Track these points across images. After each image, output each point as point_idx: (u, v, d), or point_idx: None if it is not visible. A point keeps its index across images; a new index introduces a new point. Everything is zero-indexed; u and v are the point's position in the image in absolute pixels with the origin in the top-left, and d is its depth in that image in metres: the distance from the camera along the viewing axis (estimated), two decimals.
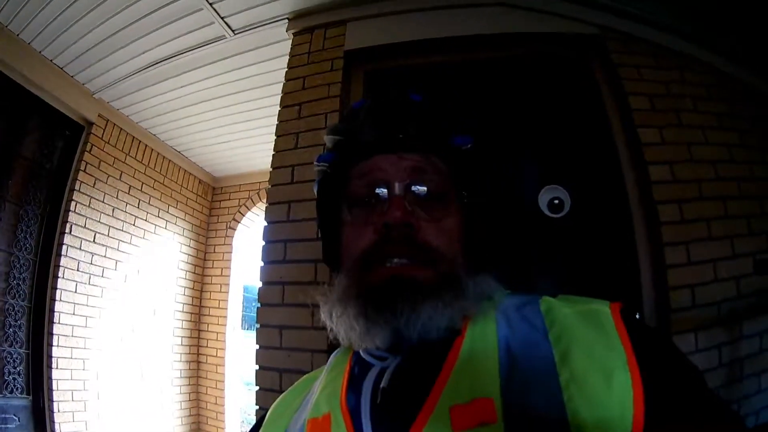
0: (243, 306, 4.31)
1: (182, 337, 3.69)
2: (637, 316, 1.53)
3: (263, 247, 1.72)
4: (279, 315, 1.62)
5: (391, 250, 0.50)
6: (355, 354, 0.56)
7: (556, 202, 1.69)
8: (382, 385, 0.47)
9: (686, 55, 1.86)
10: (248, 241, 4.23)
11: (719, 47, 1.87)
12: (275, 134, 1.85)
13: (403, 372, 0.48)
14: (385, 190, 0.54)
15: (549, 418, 0.38)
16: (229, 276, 3.95)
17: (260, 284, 1.69)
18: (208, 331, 3.87)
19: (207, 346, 3.83)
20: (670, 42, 1.87)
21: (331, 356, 0.63)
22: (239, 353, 3.99)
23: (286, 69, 1.99)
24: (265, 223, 1.75)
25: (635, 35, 1.86)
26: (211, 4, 2.04)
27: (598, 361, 0.40)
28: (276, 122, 1.89)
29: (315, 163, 0.63)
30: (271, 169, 1.80)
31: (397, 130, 0.56)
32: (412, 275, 0.49)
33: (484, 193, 0.58)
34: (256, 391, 1.59)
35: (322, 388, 0.55)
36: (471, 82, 1.89)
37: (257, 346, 1.63)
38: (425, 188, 0.54)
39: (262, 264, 1.70)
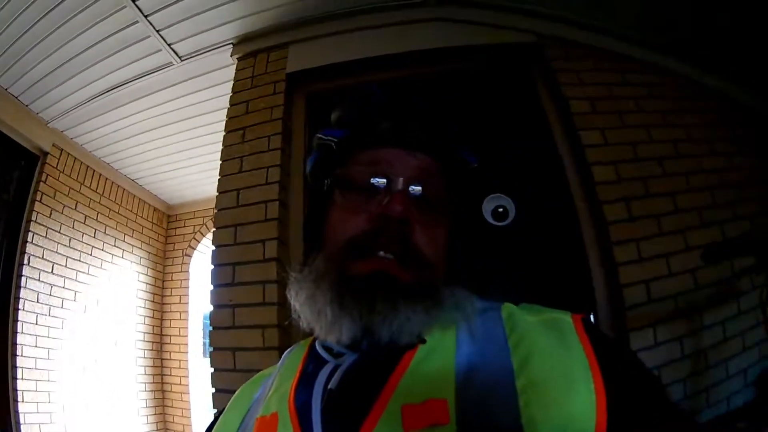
0: (204, 333, 4.34)
1: (145, 366, 3.71)
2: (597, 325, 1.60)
3: (212, 270, 1.78)
4: (231, 337, 1.66)
5: (381, 243, 0.50)
6: (310, 352, 0.57)
7: (501, 210, 1.76)
8: (330, 386, 0.48)
9: (626, 57, 1.95)
10: (205, 268, 4.23)
11: (660, 46, 1.96)
12: (220, 159, 1.93)
13: (356, 371, 0.48)
14: (387, 183, 0.54)
15: (503, 421, 0.38)
16: (188, 303, 4.01)
17: (211, 307, 1.74)
18: (170, 359, 3.90)
19: (171, 374, 3.86)
20: (610, 44, 1.96)
21: (284, 354, 0.63)
22: (203, 381, 3.98)
23: (231, 94, 2.07)
24: (213, 247, 1.81)
25: (573, 40, 1.95)
26: (158, 32, 2.12)
27: (560, 368, 0.41)
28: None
29: (320, 135, 0.62)
30: (216, 194, 1.88)
31: (416, 127, 0.57)
32: (397, 274, 0.49)
33: (470, 209, 0.62)
34: (215, 414, 1.62)
35: (274, 389, 0.55)
36: (414, 96, 1.97)
37: (212, 369, 1.67)
38: (425, 191, 0.54)
39: (212, 287, 1.76)
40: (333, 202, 0.57)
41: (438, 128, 0.58)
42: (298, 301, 0.54)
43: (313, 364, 0.53)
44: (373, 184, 0.54)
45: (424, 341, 0.48)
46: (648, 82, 1.92)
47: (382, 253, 0.50)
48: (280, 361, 0.62)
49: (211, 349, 1.72)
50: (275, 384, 0.56)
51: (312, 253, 0.58)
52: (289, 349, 0.63)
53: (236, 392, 0.64)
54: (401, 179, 0.53)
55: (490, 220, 1.77)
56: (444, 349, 0.46)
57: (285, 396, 0.51)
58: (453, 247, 0.57)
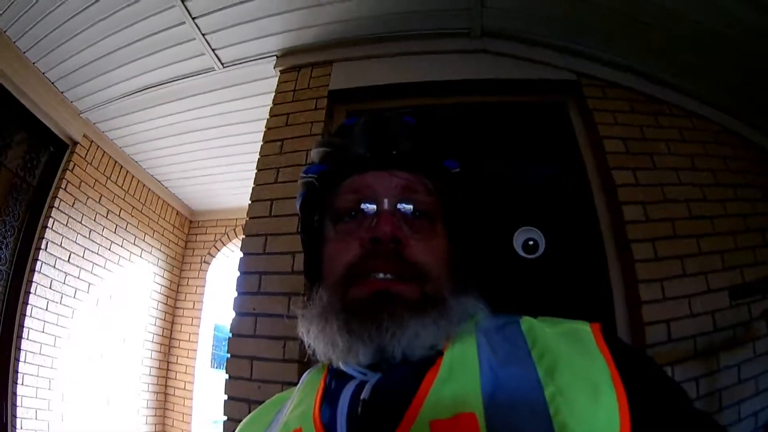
0: (213, 344, 4.44)
1: (151, 367, 3.80)
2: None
3: (238, 278, 1.84)
4: (250, 346, 1.71)
5: (377, 265, 0.52)
6: (331, 371, 0.57)
7: (531, 243, 1.83)
8: (362, 397, 0.49)
9: (660, 100, 2.05)
10: (221, 278, 4.38)
11: (693, 91, 2.06)
12: (256, 168, 2.01)
13: (382, 387, 0.49)
14: (374, 206, 0.56)
15: (534, 431, 0.39)
16: (201, 310, 4.11)
17: (233, 315, 1.79)
18: (177, 363, 4.00)
19: (175, 379, 3.95)
20: (645, 87, 2.06)
21: (304, 375, 0.64)
22: (208, 391, 4.10)
23: (271, 105, 2.17)
24: (241, 255, 1.88)
25: (611, 80, 2.04)
26: (203, 35, 2.22)
27: (584, 377, 0.42)
28: (257, 158, 2.05)
29: (302, 174, 0.65)
30: (249, 202, 1.95)
31: (390, 147, 0.59)
32: (398, 291, 0.51)
33: (469, 218, 0.63)
34: (224, 422, 1.66)
35: (293, 407, 0.57)
36: (451, 125, 2.07)
37: (227, 376, 1.71)
38: (414, 207, 0.57)
39: (236, 294, 1.82)
40: (325, 236, 0.60)
41: (411, 143, 0.60)
42: (310, 336, 0.56)
43: (335, 381, 0.55)
44: (360, 210, 0.57)
45: (441, 353, 0.50)
46: (679, 126, 2.01)
47: (380, 275, 0.52)
48: (300, 381, 0.63)
49: (228, 356, 1.77)
50: (295, 402, 0.58)
51: (314, 289, 0.59)
52: (308, 371, 0.65)
53: (244, 420, 0.67)
54: (386, 200, 0.56)
55: (521, 252, 1.84)
56: (467, 364, 0.47)
57: (308, 412, 0.52)
58: (455, 256, 0.59)
